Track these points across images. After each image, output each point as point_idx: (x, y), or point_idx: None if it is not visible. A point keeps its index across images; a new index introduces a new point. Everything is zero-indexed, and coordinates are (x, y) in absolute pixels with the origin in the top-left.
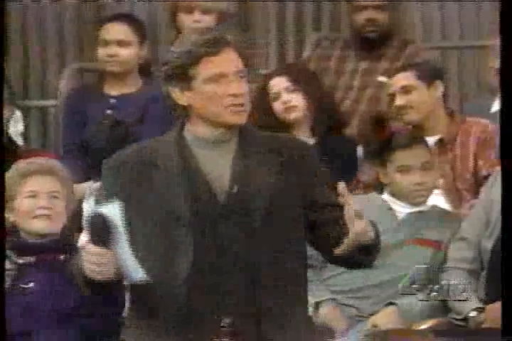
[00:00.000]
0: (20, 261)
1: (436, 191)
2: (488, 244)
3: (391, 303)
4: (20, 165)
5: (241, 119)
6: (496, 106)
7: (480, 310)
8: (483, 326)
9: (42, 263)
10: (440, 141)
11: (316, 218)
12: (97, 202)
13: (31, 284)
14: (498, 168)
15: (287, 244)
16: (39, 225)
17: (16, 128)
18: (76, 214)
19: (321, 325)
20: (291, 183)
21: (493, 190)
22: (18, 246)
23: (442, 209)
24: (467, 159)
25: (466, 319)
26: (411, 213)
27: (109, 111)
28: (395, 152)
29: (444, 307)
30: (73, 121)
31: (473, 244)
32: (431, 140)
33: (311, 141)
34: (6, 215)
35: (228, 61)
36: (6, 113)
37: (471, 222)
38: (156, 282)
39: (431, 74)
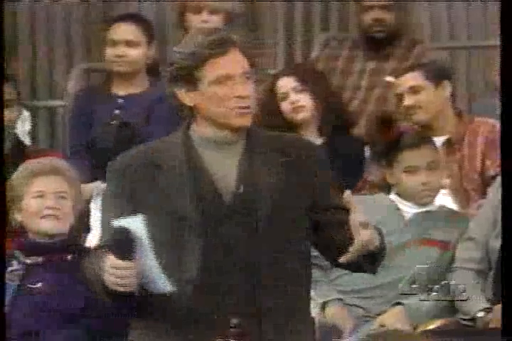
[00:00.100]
0: (28, 261)
1: (443, 191)
2: (496, 244)
3: (398, 303)
4: (28, 165)
5: (246, 121)
6: None
7: (488, 310)
8: (490, 326)
9: (49, 264)
10: (448, 141)
11: (319, 219)
12: (116, 214)
13: (39, 284)
14: None
15: (290, 245)
16: (47, 225)
17: (23, 128)
18: (83, 215)
19: (328, 325)
20: (296, 183)
21: (500, 190)
22: (26, 246)
23: (450, 209)
24: (475, 159)
25: (473, 319)
26: (418, 213)
27: (117, 111)
28: (402, 152)
29: (451, 308)
30: (80, 122)
31: (481, 244)
32: (439, 140)
33: (319, 141)
34: (14, 215)
35: (234, 62)
36: (14, 113)
37: (478, 222)
38: None
39: (439, 74)
